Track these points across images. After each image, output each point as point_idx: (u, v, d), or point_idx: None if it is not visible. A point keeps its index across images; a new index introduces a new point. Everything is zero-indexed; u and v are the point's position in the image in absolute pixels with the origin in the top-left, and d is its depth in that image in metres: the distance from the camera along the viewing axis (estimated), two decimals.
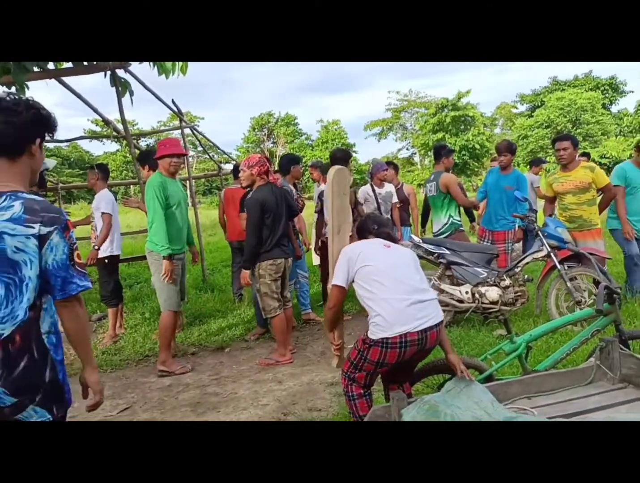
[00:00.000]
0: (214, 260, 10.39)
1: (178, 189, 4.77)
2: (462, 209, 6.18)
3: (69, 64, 4.85)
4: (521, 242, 6.78)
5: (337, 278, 2.88)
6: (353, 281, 2.84)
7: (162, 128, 34.89)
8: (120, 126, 6.57)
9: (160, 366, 4.65)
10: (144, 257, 5.08)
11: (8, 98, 1.80)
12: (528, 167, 9.76)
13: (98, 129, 35.85)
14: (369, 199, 6.43)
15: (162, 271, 4.48)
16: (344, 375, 2.88)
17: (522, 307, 5.00)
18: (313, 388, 4.06)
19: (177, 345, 5.22)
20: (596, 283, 4.65)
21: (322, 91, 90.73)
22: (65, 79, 5.31)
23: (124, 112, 5.54)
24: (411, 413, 2.46)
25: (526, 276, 5.04)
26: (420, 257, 5.31)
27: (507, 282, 4.90)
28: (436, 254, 5.18)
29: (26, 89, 4.61)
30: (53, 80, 5.09)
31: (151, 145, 37.19)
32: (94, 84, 5.64)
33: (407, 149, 41.50)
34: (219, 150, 16.53)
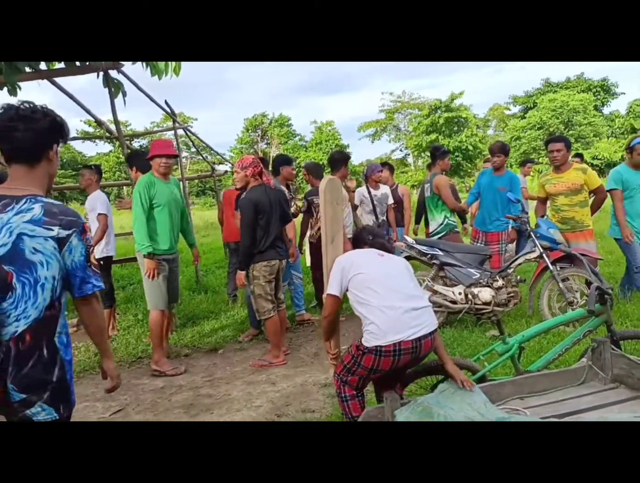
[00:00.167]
0: (208, 261, 10.37)
1: (168, 190, 4.74)
2: None
3: (61, 65, 4.83)
4: (514, 243, 6.81)
5: (332, 287, 2.89)
6: (347, 290, 2.85)
7: (155, 129, 34.76)
8: (113, 127, 6.54)
9: (153, 365, 4.68)
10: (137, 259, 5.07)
11: (25, 106, 1.86)
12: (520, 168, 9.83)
13: (91, 129, 35.68)
14: (364, 201, 6.45)
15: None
16: (336, 377, 2.88)
17: (514, 308, 5.02)
18: (306, 390, 4.05)
19: (170, 346, 5.21)
20: (588, 284, 4.67)
21: (316, 92, 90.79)
22: (58, 80, 5.28)
23: (116, 113, 5.51)
24: (404, 415, 2.46)
25: (519, 277, 5.06)
26: (413, 258, 5.34)
27: (500, 282, 4.92)
28: (429, 255, 5.19)
29: (18, 90, 4.59)
30: (45, 81, 5.06)
31: (144, 146, 37.09)
32: (87, 84, 5.61)
33: (401, 150, 41.63)
34: (212, 151, 16.54)
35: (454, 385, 2.70)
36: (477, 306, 4.90)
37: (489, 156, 6.34)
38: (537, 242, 4.91)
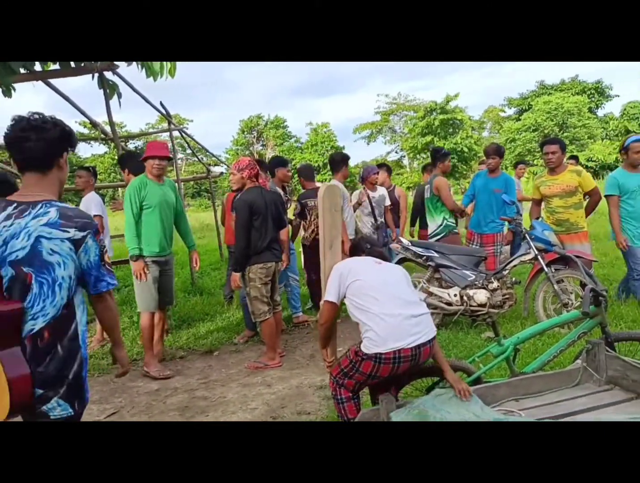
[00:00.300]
0: (203, 263, 10.31)
1: (161, 192, 4.72)
2: None
3: (56, 66, 4.81)
4: (509, 245, 6.82)
5: (329, 294, 2.89)
6: (344, 297, 2.85)
7: (151, 130, 34.69)
8: (108, 128, 6.53)
9: (144, 367, 4.68)
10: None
11: (35, 117, 1.95)
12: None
13: (86, 131, 35.54)
14: (362, 203, 6.46)
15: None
16: (332, 379, 2.88)
17: (509, 310, 5.03)
18: (302, 392, 4.05)
19: (165, 349, 5.19)
20: (583, 285, 4.69)
21: (312, 94, 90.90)
22: (52, 81, 5.26)
23: (111, 114, 5.50)
24: (400, 417, 2.47)
25: (514, 279, 5.08)
26: (409, 260, 5.35)
27: (495, 284, 4.93)
28: (425, 257, 5.20)
29: (12, 91, 4.57)
30: (40, 82, 5.04)
31: (139, 147, 36.99)
32: (82, 85, 5.59)
33: (396, 152, 41.67)
34: (207, 153, 16.49)
35: (450, 390, 2.70)
36: (472, 308, 4.91)
37: (484, 158, 6.36)
38: (532, 244, 4.92)
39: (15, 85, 4.61)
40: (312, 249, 5.98)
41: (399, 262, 5.30)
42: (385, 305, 2.69)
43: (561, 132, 33.36)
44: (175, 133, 9.24)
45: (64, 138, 2.03)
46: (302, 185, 6.28)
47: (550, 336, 4.30)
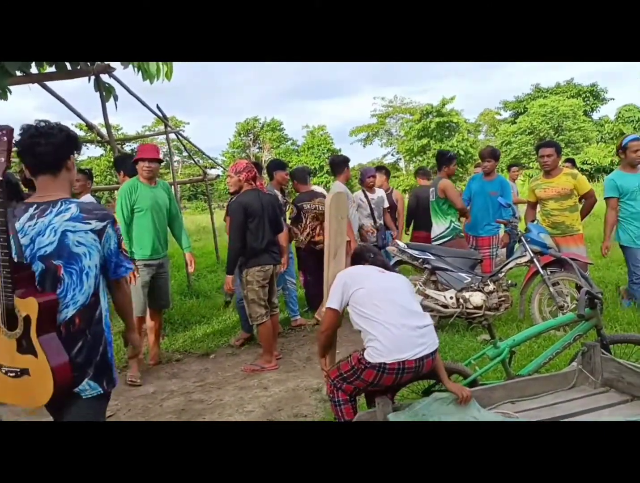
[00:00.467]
0: (199, 266, 10.30)
1: (152, 194, 4.70)
2: None
3: (52, 68, 4.81)
4: (505, 248, 6.84)
5: (332, 301, 2.87)
6: (347, 305, 2.84)
7: (147, 133, 34.68)
8: (104, 131, 6.52)
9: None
10: None
11: (42, 124, 2.10)
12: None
13: (82, 133, 35.40)
14: (362, 205, 6.46)
15: None
16: (330, 382, 2.87)
17: (505, 312, 5.05)
18: (298, 395, 4.04)
19: (161, 351, 5.18)
20: (578, 288, 4.70)
21: (308, 97, 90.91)
22: (49, 83, 5.26)
23: (108, 117, 5.50)
24: (397, 420, 2.47)
25: (510, 281, 5.09)
26: (405, 262, 5.36)
27: (491, 287, 4.95)
28: (421, 259, 5.21)
29: (8, 94, 4.57)
30: (36, 85, 5.03)
31: (136, 150, 36.84)
32: (78, 88, 5.58)
33: (392, 155, 41.67)
34: (204, 156, 16.51)
35: (450, 394, 2.70)
36: (468, 310, 4.92)
37: (480, 161, 6.37)
38: (527, 246, 4.94)
39: (11, 87, 4.60)
40: (307, 252, 6.00)
41: (395, 265, 5.31)
42: (390, 314, 2.68)
43: (557, 135, 33.45)
44: (172, 135, 9.24)
45: (70, 142, 2.18)
46: (295, 188, 6.29)
47: (546, 338, 4.31)
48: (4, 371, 2.00)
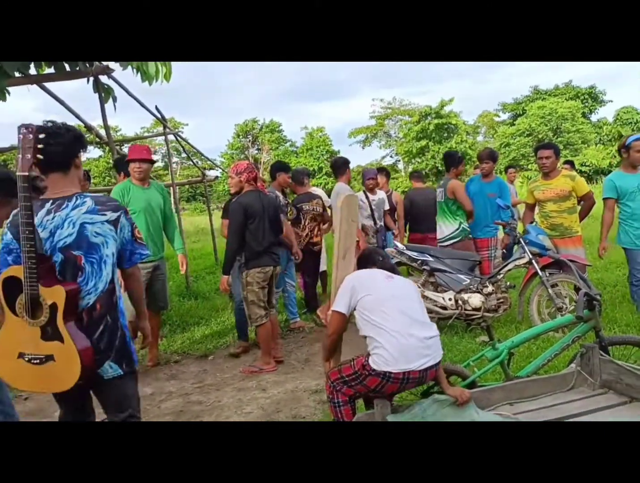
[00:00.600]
0: (198, 267, 10.33)
1: (145, 196, 4.68)
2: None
3: (51, 70, 4.80)
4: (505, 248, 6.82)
5: (339, 304, 2.84)
6: (354, 309, 2.81)
7: (146, 134, 34.67)
8: (103, 132, 6.51)
9: None
10: None
11: (50, 125, 2.21)
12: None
13: None
14: (362, 206, 6.46)
15: None
16: (330, 383, 2.85)
17: (504, 314, 5.05)
18: (297, 396, 4.04)
19: (160, 353, 5.17)
20: (577, 289, 4.70)
21: (307, 98, 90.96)
22: (47, 84, 5.25)
23: (106, 118, 5.49)
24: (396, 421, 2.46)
25: (508, 283, 5.09)
26: (403, 264, 5.36)
27: (490, 288, 4.95)
28: (420, 261, 5.21)
29: (7, 95, 4.56)
30: (35, 86, 5.03)
31: None
32: (77, 89, 5.57)
33: (391, 156, 41.69)
34: (203, 157, 16.48)
35: (449, 397, 2.70)
36: (467, 312, 4.92)
37: (478, 163, 6.37)
38: (526, 248, 4.94)
39: (9, 88, 4.59)
40: (306, 253, 6.00)
41: None
42: (398, 323, 2.66)
43: (555, 136, 33.49)
44: (171, 137, 9.24)
45: (77, 141, 2.31)
46: (293, 190, 6.30)
47: (544, 340, 4.31)
48: (27, 359, 2.10)
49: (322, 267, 7.03)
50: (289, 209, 5.93)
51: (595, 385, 2.92)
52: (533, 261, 4.90)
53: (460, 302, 4.93)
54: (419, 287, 5.13)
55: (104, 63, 4.84)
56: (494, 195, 5.81)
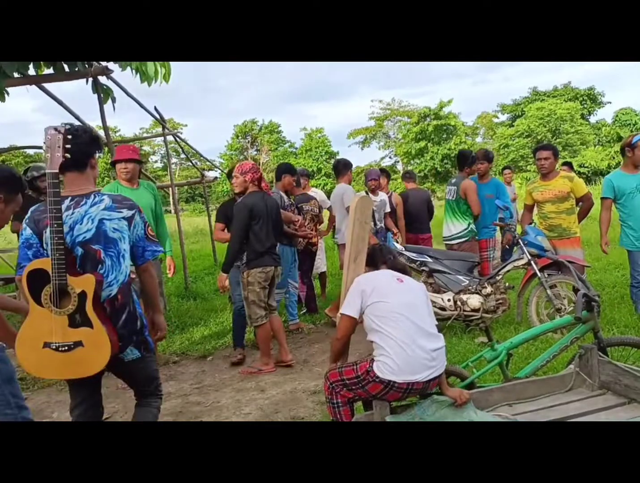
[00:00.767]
0: (197, 268, 10.33)
1: (133, 196, 4.53)
2: None
3: (50, 70, 4.80)
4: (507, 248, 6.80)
5: (349, 308, 2.80)
6: (363, 313, 2.78)
7: (145, 135, 34.68)
8: (102, 133, 6.51)
9: None
10: None
11: (68, 127, 2.28)
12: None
13: None
14: None
15: None
16: (329, 384, 2.84)
17: (503, 315, 5.05)
18: (296, 397, 4.04)
19: (159, 354, 5.17)
20: (575, 291, 4.70)
21: (306, 99, 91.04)
22: (46, 85, 5.25)
23: (105, 119, 5.48)
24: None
25: (507, 284, 5.09)
26: None
27: (489, 289, 4.95)
28: (419, 262, 5.21)
29: (6, 95, 4.56)
30: (34, 87, 5.02)
31: None
32: (76, 90, 5.57)
33: (390, 157, 41.78)
34: (202, 158, 16.49)
35: (447, 398, 2.70)
36: (465, 313, 4.92)
37: None
38: (525, 249, 4.95)
39: (8, 89, 4.59)
40: (305, 254, 6.01)
41: None
42: (407, 334, 2.62)
43: (554, 138, 33.56)
44: (170, 138, 9.24)
45: (93, 142, 2.44)
46: (290, 191, 6.31)
47: (543, 341, 4.31)
48: (54, 347, 2.19)
49: (322, 268, 7.03)
50: (293, 209, 5.93)
51: (593, 386, 2.92)
52: (532, 262, 4.91)
53: (459, 303, 4.93)
54: None
55: (103, 64, 4.83)
56: (491, 196, 5.81)
